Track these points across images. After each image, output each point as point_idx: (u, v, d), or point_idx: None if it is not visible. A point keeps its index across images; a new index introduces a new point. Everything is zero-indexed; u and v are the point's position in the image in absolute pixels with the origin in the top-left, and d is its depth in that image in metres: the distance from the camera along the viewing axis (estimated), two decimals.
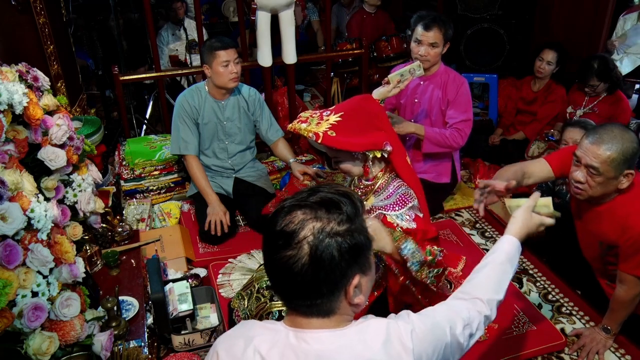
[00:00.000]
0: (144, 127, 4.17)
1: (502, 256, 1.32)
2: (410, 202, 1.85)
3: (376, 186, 1.89)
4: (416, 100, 2.90)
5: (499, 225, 2.90)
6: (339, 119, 1.80)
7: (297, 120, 1.88)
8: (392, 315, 1.10)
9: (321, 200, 1.00)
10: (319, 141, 1.76)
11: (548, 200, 1.50)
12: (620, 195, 1.87)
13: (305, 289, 0.98)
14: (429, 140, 2.78)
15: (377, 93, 2.38)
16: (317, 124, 1.80)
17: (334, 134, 1.75)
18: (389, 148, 1.82)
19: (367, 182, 1.91)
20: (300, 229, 0.96)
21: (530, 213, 1.44)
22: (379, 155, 1.83)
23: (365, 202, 1.80)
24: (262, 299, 2.02)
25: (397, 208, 1.83)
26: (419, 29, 2.71)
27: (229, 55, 2.59)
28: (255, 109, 2.87)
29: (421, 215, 1.87)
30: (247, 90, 2.86)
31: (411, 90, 2.88)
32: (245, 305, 2.07)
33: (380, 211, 1.85)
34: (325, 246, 0.95)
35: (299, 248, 0.95)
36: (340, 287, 1.00)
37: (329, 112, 1.85)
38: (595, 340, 2.02)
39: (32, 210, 1.35)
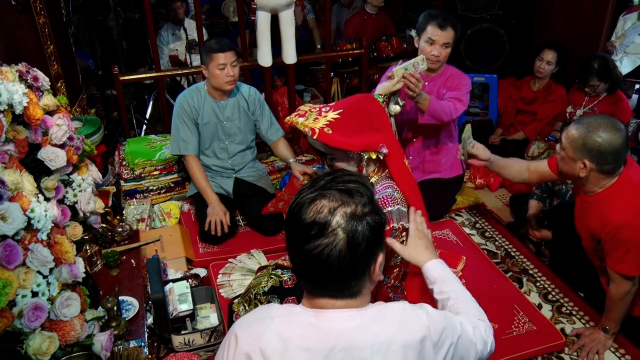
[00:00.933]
0: (144, 127, 4.17)
1: (439, 283, 1.40)
2: (391, 205, 1.80)
3: None
4: None
5: (499, 225, 2.90)
6: (337, 116, 1.79)
7: (295, 113, 1.86)
8: (407, 302, 1.15)
9: (342, 187, 1.03)
10: (315, 137, 1.75)
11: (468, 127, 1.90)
12: (606, 189, 1.87)
13: (342, 274, 1.01)
14: (429, 113, 2.58)
15: (382, 88, 2.27)
16: (315, 119, 1.79)
17: (330, 132, 1.74)
18: (384, 150, 1.80)
19: None
20: (332, 217, 0.99)
21: (414, 238, 1.52)
22: (374, 156, 1.81)
23: None
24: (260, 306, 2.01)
25: None
26: (431, 29, 2.59)
27: (226, 58, 2.57)
28: (255, 108, 2.86)
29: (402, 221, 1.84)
30: (247, 90, 2.85)
31: None
32: (246, 311, 2.07)
33: None
34: (360, 229, 0.99)
35: (335, 235, 0.98)
36: (370, 267, 1.04)
37: (328, 108, 1.83)
38: (595, 340, 2.02)
39: (32, 210, 1.35)
